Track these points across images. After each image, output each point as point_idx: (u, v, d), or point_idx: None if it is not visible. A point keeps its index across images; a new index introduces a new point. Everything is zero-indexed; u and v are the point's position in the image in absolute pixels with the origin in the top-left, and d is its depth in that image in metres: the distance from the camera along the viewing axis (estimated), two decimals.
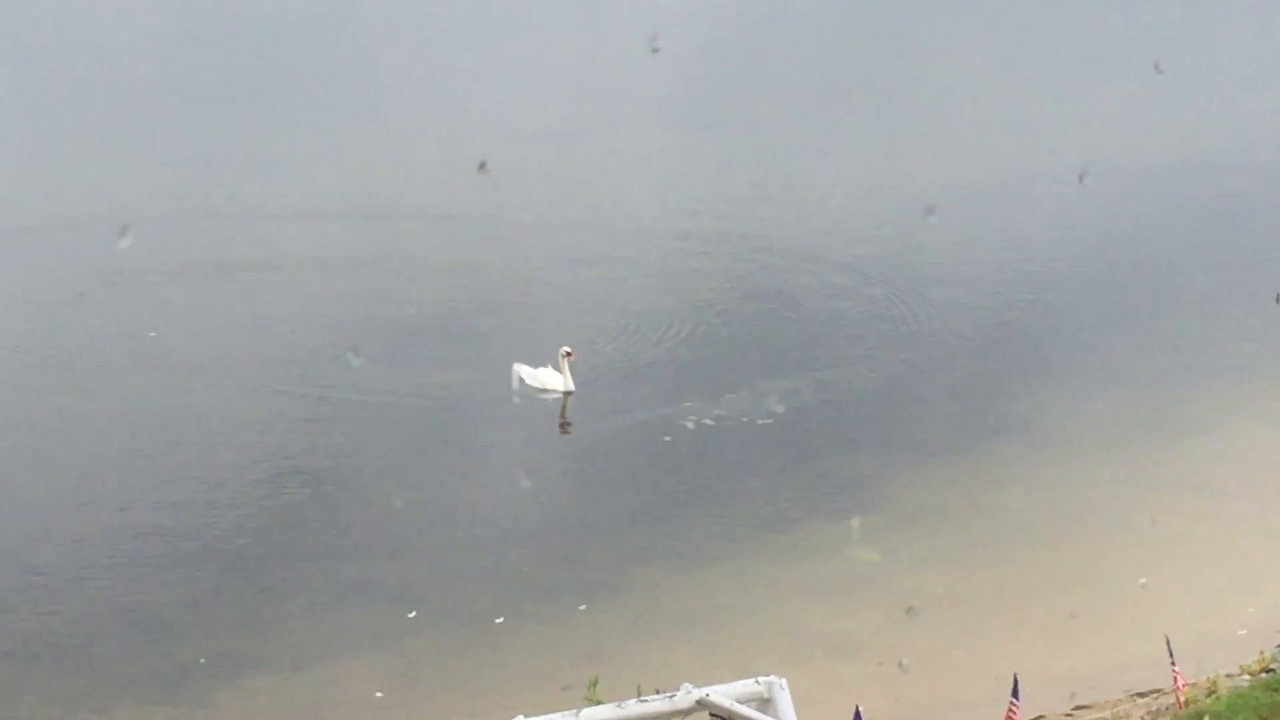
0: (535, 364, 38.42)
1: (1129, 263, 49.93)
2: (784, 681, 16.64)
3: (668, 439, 36.72)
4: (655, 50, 60.62)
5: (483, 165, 48.56)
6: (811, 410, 38.29)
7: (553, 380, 38.10)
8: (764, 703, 16.50)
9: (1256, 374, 41.51)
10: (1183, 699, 24.36)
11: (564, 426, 37.61)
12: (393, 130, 62.81)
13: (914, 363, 41.62)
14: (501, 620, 29.22)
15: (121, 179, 55.46)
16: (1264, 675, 25.80)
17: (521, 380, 38.14)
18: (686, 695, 16.17)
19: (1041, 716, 26.46)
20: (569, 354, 37.97)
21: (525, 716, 15.61)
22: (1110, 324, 44.82)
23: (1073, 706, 26.94)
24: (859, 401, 39.17)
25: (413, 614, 29.39)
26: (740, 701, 16.31)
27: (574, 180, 57.34)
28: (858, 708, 22.22)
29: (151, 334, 42.13)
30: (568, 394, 38.03)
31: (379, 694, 27.17)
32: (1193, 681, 25.49)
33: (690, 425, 37.24)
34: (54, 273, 46.31)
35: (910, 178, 56.99)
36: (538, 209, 52.97)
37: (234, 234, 50.20)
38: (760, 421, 37.46)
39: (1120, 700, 26.87)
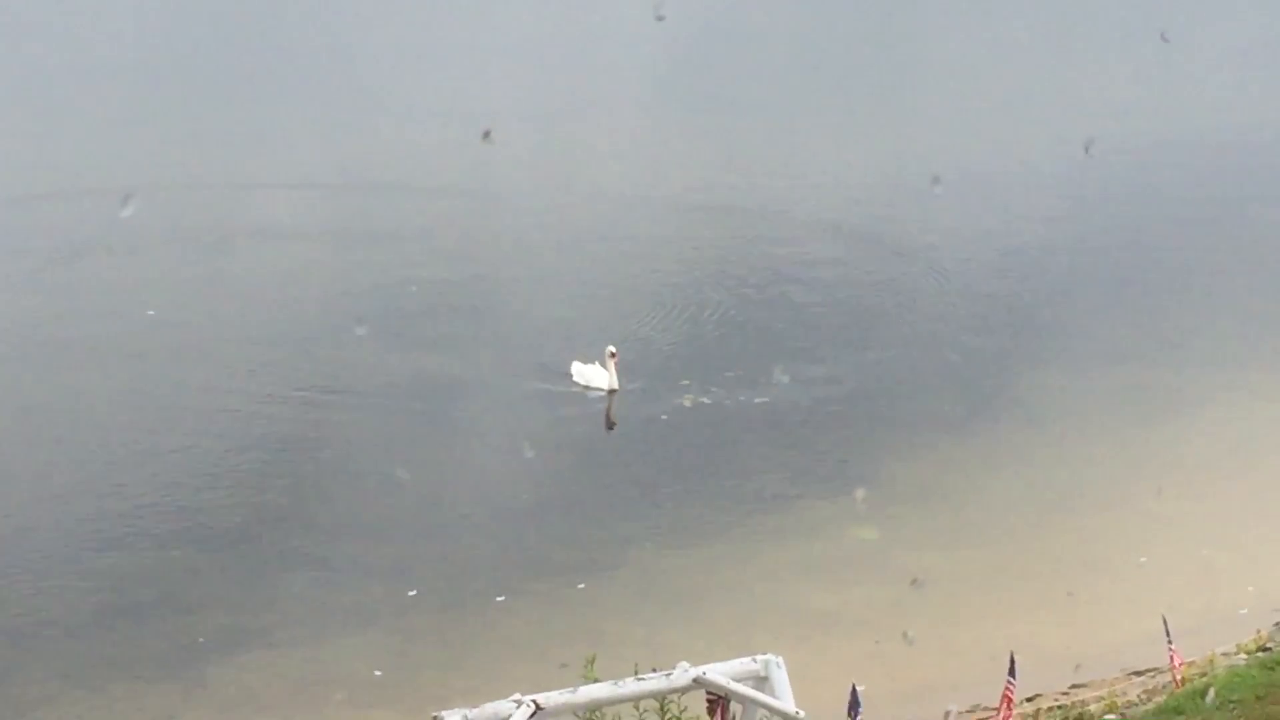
0: (585, 359, 38.26)
1: (1129, 240, 49.89)
2: (780, 660, 16.66)
3: (665, 417, 36.72)
4: (660, 18, 60.31)
5: (486, 134, 48.38)
6: (808, 389, 38.26)
7: (599, 378, 38.03)
8: (760, 681, 16.52)
9: (1257, 352, 41.50)
10: (1179, 677, 24.39)
11: (610, 425, 37.41)
12: (395, 105, 62.62)
13: (912, 341, 41.62)
14: (501, 599, 29.27)
15: (119, 153, 55.38)
16: (1260, 654, 25.84)
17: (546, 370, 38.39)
18: (683, 673, 16.19)
19: (1038, 695, 26.48)
20: (614, 354, 37.88)
21: (523, 694, 15.62)
22: (1109, 302, 44.78)
23: (1070, 685, 26.98)
24: (857, 380, 39.13)
25: (413, 592, 29.42)
26: (737, 680, 16.33)
27: (578, 155, 57.20)
28: (854, 685, 22.27)
29: (150, 312, 42.06)
30: (611, 392, 37.90)
31: (378, 672, 27.20)
32: (1190, 660, 25.53)
33: (687, 404, 37.24)
34: (54, 246, 46.24)
35: (915, 153, 56.88)
36: (540, 184, 52.86)
37: (232, 208, 50.12)
38: (757, 400, 37.45)
39: (1117, 679, 26.92)
